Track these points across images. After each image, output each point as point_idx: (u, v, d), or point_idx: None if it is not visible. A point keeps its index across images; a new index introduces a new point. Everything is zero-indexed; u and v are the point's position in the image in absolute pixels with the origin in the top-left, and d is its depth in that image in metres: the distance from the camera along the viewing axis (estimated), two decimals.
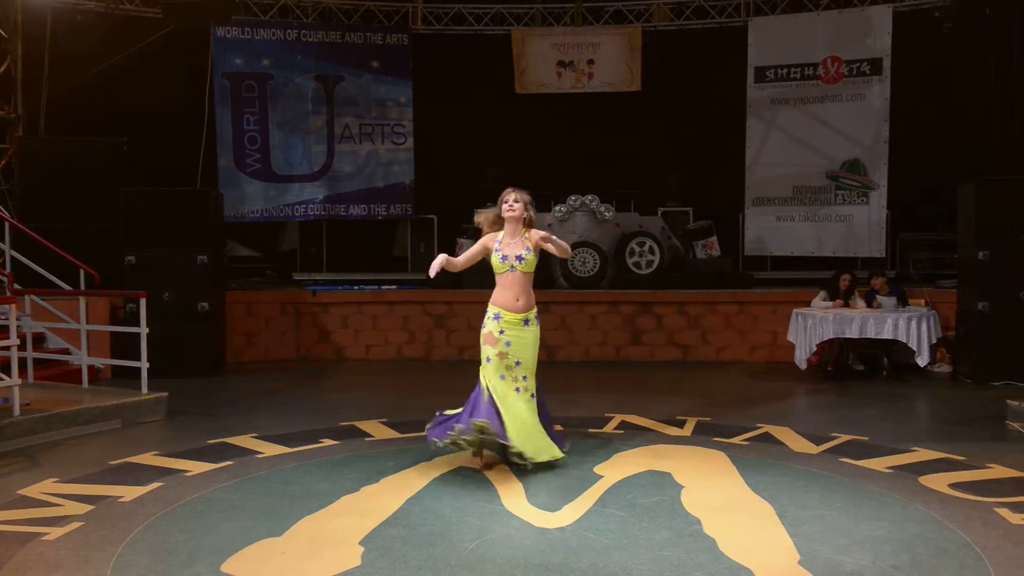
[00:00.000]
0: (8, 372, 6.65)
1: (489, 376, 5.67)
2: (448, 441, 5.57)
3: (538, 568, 4.01)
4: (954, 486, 5.30)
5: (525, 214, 5.78)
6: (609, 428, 7.00)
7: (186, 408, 7.88)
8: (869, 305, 9.59)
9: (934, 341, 9.35)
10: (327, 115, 13.43)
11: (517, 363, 5.73)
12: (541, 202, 12.45)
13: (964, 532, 4.46)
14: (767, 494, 5.13)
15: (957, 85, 12.33)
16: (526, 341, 5.74)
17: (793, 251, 13.09)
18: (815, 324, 9.37)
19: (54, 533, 4.53)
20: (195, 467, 5.84)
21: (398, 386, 9.58)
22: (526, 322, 5.76)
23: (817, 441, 6.52)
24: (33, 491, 5.30)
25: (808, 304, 9.83)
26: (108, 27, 12.22)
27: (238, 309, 10.97)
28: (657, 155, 13.66)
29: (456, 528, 4.55)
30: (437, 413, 5.95)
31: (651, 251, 11.68)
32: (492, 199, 13.71)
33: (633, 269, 11.68)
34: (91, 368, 8.21)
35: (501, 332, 5.71)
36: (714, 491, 5.23)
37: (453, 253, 12.32)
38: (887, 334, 9.21)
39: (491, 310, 5.79)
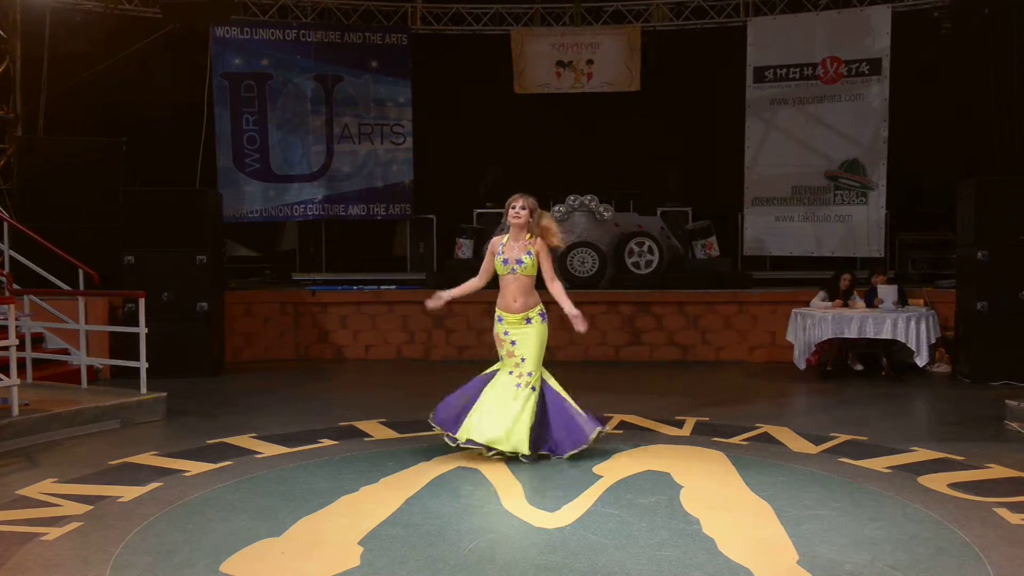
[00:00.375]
0: (7, 372, 6.65)
1: (503, 373, 6.02)
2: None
3: (537, 568, 4.01)
4: (953, 486, 5.30)
5: (530, 220, 5.97)
6: (608, 428, 6.98)
7: (185, 408, 7.87)
8: (869, 304, 9.59)
9: (933, 341, 9.35)
10: (326, 115, 13.43)
11: (523, 359, 5.97)
12: (540, 202, 12.43)
13: (963, 532, 4.46)
14: (766, 494, 5.13)
15: (956, 85, 12.34)
16: (528, 337, 5.97)
17: (792, 251, 13.10)
18: (814, 324, 9.37)
19: (53, 533, 4.53)
20: (194, 467, 5.84)
21: (397, 386, 9.58)
22: (527, 320, 6.01)
23: (816, 441, 6.53)
24: (32, 491, 5.30)
25: (807, 304, 9.83)
26: (107, 27, 12.22)
27: (237, 309, 10.97)
28: (656, 155, 13.66)
29: (455, 528, 4.55)
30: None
31: (650, 251, 11.68)
32: (491, 199, 13.76)
33: (632, 269, 11.68)
34: (90, 368, 8.21)
35: (505, 333, 6.04)
36: (713, 491, 5.23)
37: (453, 253, 12.45)
38: (886, 334, 9.21)
39: (496, 313, 6.11)
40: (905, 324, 9.15)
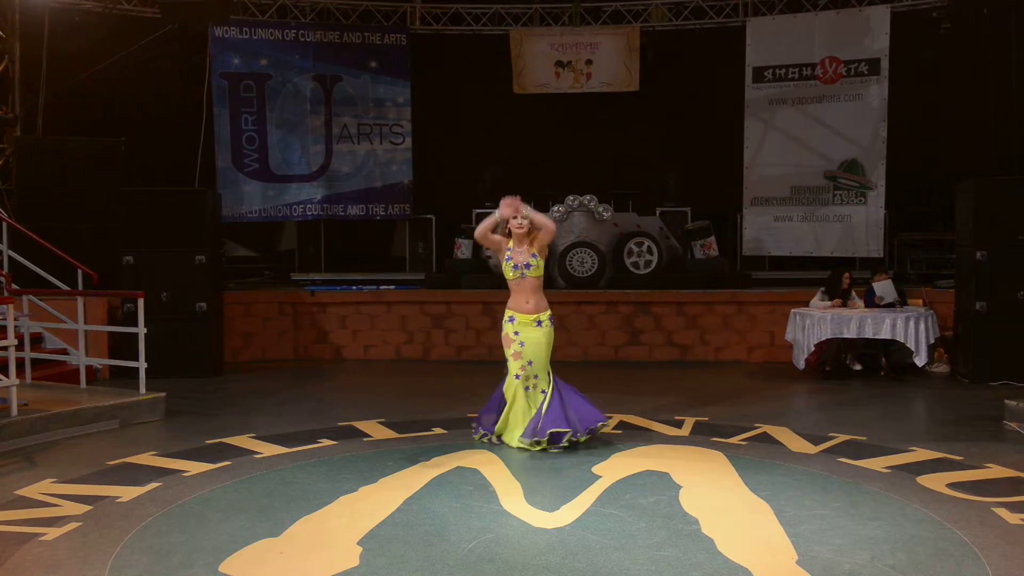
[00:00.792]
0: (6, 372, 6.65)
1: (509, 373, 6.28)
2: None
3: (536, 568, 4.01)
4: (952, 486, 5.30)
5: (532, 226, 6.26)
6: (608, 428, 7.00)
7: (184, 408, 7.87)
8: (869, 305, 9.59)
9: (932, 341, 9.36)
10: (325, 115, 13.43)
11: (529, 363, 6.28)
12: (539, 202, 12.47)
13: (962, 532, 4.47)
14: (765, 494, 5.14)
15: (955, 85, 12.34)
16: (538, 341, 6.27)
17: (791, 251, 13.10)
18: (813, 324, 9.38)
19: (52, 533, 4.53)
20: (193, 467, 5.84)
21: (396, 386, 9.58)
22: (538, 323, 6.30)
23: (815, 441, 6.53)
24: (31, 491, 5.30)
25: (806, 304, 9.83)
26: (106, 27, 12.22)
27: (236, 309, 10.97)
28: (655, 155, 13.67)
29: (454, 528, 4.55)
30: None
31: (649, 251, 11.68)
32: (490, 199, 13.77)
33: (631, 269, 11.68)
34: (89, 368, 8.20)
35: (516, 333, 6.31)
36: (712, 491, 5.23)
37: (452, 253, 12.45)
38: (885, 334, 9.21)
39: (507, 314, 6.38)
40: (904, 324, 9.15)
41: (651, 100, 13.62)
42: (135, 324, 7.80)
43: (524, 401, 6.28)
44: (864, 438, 6.61)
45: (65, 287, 8.86)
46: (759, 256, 13.28)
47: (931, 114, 12.49)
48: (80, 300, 8.19)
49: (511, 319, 6.32)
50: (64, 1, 11.95)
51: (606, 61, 13.58)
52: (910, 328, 9.16)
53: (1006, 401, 7.22)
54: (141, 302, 7.80)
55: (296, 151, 13.36)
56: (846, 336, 9.34)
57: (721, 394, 8.69)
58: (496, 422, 6.38)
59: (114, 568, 4.07)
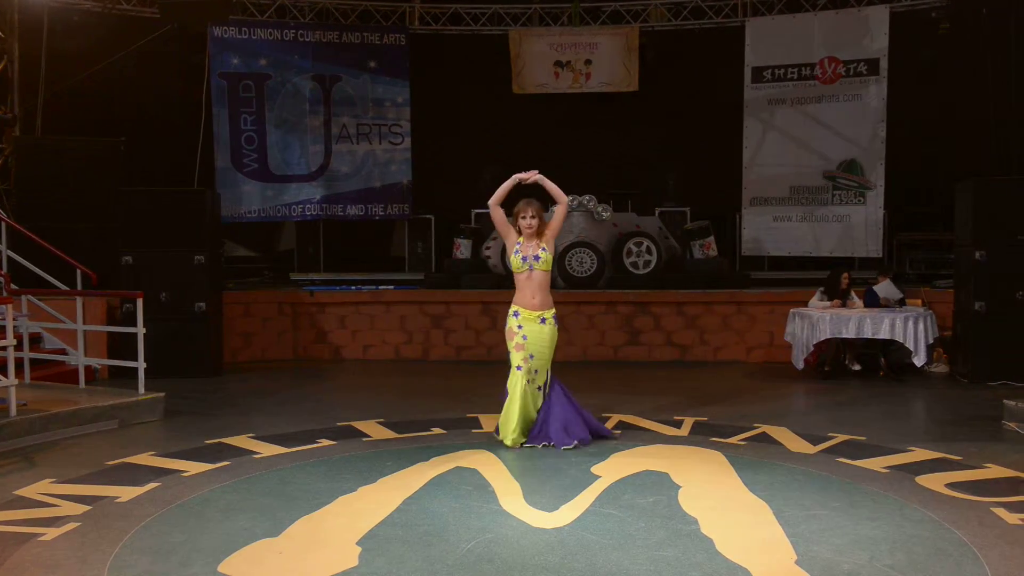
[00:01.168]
0: (5, 372, 6.65)
1: (512, 368, 6.27)
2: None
3: (535, 568, 4.01)
4: (951, 486, 5.30)
5: (541, 224, 6.37)
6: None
7: (183, 408, 7.87)
8: (869, 305, 9.59)
9: (931, 341, 9.36)
10: (324, 115, 13.43)
11: (531, 356, 6.27)
12: (538, 202, 12.47)
13: (961, 532, 4.47)
14: (764, 494, 5.14)
15: (954, 85, 12.35)
16: (542, 337, 6.28)
17: (790, 251, 13.10)
18: (812, 324, 9.38)
19: (51, 533, 4.53)
20: (192, 467, 5.84)
21: (395, 386, 9.58)
22: (542, 320, 6.31)
23: (814, 441, 6.53)
24: (30, 491, 5.29)
25: (805, 304, 9.84)
26: (105, 27, 12.21)
27: (235, 309, 10.97)
28: (654, 155, 13.68)
29: (453, 528, 4.55)
30: None
31: (648, 251, 11.69)
32: (489, 198, 13.78)
33: (630, 269, 11.68)
34: (88, 368, 8.20)
35: (519, 327, 6.29)
36: (711, 491, 5.23)
37: (451, 253, 12.45)
38: (884, 334, 9.22)
39: (511, 309, 6.38)
40: (903, 324, 9.16)
41: (650, 100, 13.63)
42: (134, 324, 7.79)
43: (527, 397, 6.27)
44: (863, 438, 6.61)
45: (64, 287, 8.85)
46: (758, 256, 13.29)
47: (930, 114, 12.50)
48: (79, 300, 8.18)
49: (515, 313, 6.33)
50: (63, 1, 11.95)
51: (605, 61, 13.58)
52: (909, 328, 9.16)
53: (1005, 401, 7.22)
54: (140, 302, 7.80)
55: (295, 151, 13.36)
56: (845, 336, 9.34)
57: (720, 394, 8.69)
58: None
59: (113, 568, 4.06)
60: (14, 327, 7.12)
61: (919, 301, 10.12)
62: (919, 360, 9.23)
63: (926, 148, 12.47)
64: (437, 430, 6.96)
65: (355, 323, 11.40)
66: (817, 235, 12.88)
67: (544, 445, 6.23)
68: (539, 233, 6.33)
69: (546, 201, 6.72)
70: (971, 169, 10.81)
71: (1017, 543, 4.32)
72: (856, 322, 9.24)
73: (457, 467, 5.77)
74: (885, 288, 9.80)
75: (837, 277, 9.74)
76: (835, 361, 9.67)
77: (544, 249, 6.30)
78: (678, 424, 7.16)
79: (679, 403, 8.15)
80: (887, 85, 12.35)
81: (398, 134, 13.64)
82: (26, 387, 7.56)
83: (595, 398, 8.26)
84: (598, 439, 6.49)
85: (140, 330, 7.70)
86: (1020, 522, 4.62)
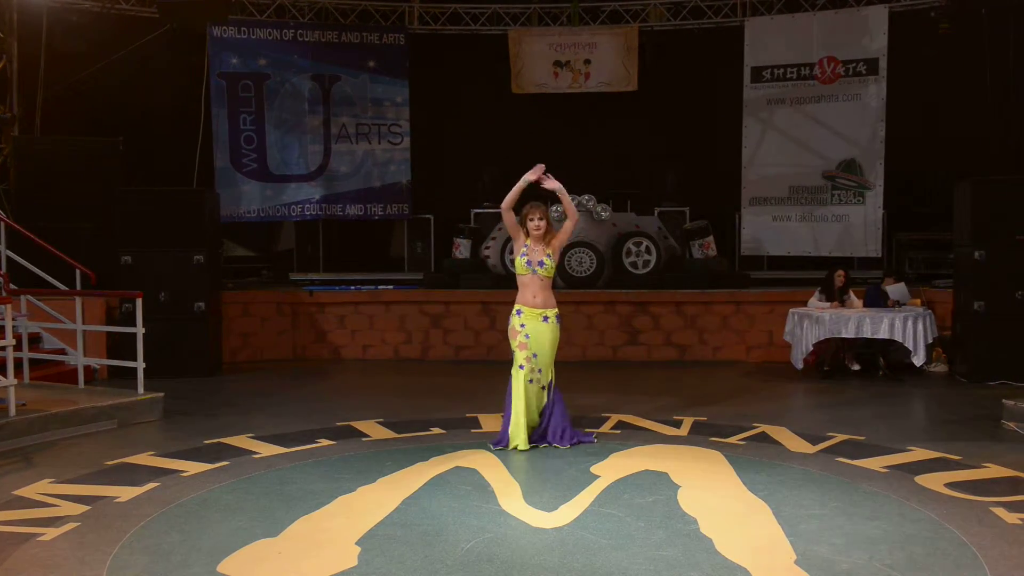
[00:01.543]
0: (4, 372, 6.65)
1: (514, 367, 6.32)
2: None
3: (535, 568, 4.01)
4: (950, 485, 5.31)
5: (549, 228, 6.51)
6: (606, 428, 7.01)
7: (182, 408, 7.87)
8: (871, 305, 9.59)
9: (930, 341, 9.37)
10: (324, 115, 13.42)
11: (534, 355, 6.32)
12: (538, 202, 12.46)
13: (960, 531, 4.47)
14: (763, 494, 5.14)
15: (953, 85, 12.35)
16: (544, 335, 6.34)
17: (789, 251, 13.10)
18: (811, 324, 9.38)
19: (50, 534, 4.53)
20: (191, 467, 5.83)
21: (395, 386, 9.58)
22: (544, 318, 6.38)
23: (813, 441, 6.53)
24: (29, 491, 5.29)
25: (804, 304, 9.84)
26: (104, 27, 12.20)
27: (234, 309, 10.97)
28: (653, 155, 13.66)
29: (453, 528, 4.55)
30: None
31: (648, 251, 11.68)
32: (488, 199, 13.73)
33: (630, 269, 11.68)
34: (87, 368, 8.20)
35: (522, 326, 6.36)
36: (711, 491, 5.24)
37: (450, 253, 12.45)
38: (883, 334, 9.22)
39: (515, 308, 6.45)
40: (902, 324, 9.16)
41: (649, 100, 13.62)
42: (133, 324, 7.79)
43: (530, 399, 6.30)
44: (862, 438, 6.61)
45: (63, 287, 8.84)
46: (757, 256, 13.28)
47: (929, 114, 12.49)
48: (78, 300, 8.18)
49: (518, 312, 6.40)
50: (62, 0, 11.94)
51: (604, 61, 13.57)
52: (908, 328, 9.16)
53: (1004, 401, 7.23)
54: (139, 302, 7.80)
55: (294, 151, 13.35)
56: (844, 336, 9.35)
57: (719, 394, 8.69)
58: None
59: (112, 568, 4.06)
60: (13, 327, 7.11)
61: (918, 301, 10.12)
62: (918, 360, 9.23)
63: (925, 148, 12.45)
64: (436, 430, 6.96)
65: (354, 323, 11.40)
66: (816, 235, 12.88)
67: (544, 445, 6.28)
68: (546, 237, 6.45)
69: (546, 198, 6.74)
70: (970, 169, 10.80)
71: (1016, 543, 4.32)
72: (855, 322, 9.24)
73: (456, 467, 5.77)
74: (898, 291, 9.80)
75: (831, 277, 9.75)
76: (834, 361, 9.67)
77: (549, 256, 6.42)
78: (677, 424, 7.16)
79: (678, 403, 8.15)
80: (886, 85, 12.34)
81: (397, 134, 13.63)
82: (25, 387, 7.56)
83: (594, 398, 8.27)
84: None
85: (139, 330, 7.70)
86: (1019, 522, 4.62)
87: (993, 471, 5.65)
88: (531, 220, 6.46)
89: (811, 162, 12.88)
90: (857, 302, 9.70)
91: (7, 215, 10.10)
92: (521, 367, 6.30)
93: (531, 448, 6.23)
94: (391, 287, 11.84)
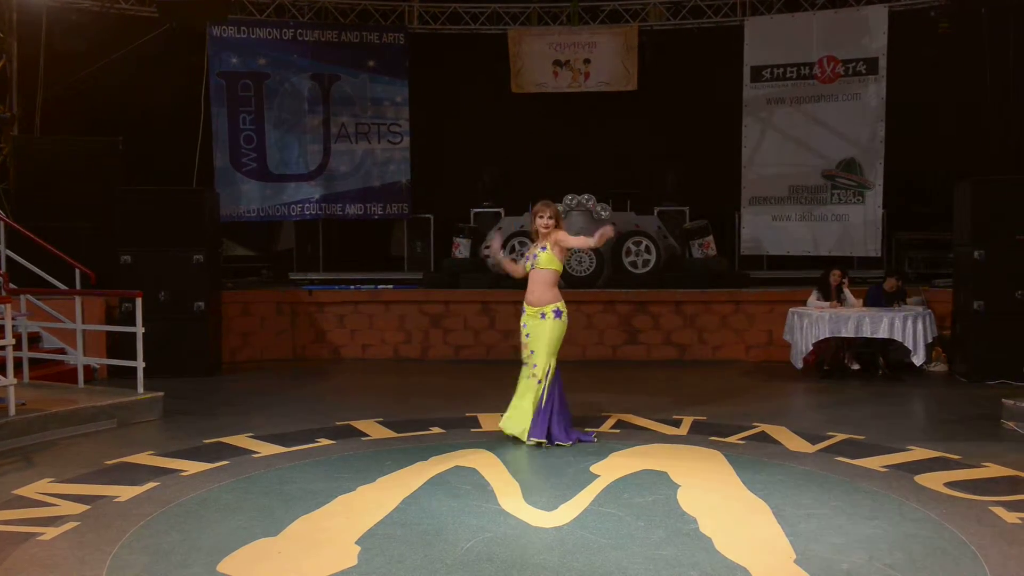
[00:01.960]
0: (4, 372, 6.64)
1: (524, 370, 6.48)
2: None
3: (534, 567, 4.01)
4: (950, 485, 5.31)
5: (557, 227, 6.50)
6: (605, 427, 7.01)
7: (182, 408, 7.87)
8: (872, 304, 9.59)
9: (930, 340, 9.37)
10: (323, 114, 13.42)
11: (532, 352, 6.43)
12: (537, 201, 12.45)
13: (960, 531, 4.47)
14: (763, 493, 5.14)
15: (953, 84, 12.34)
16: (540, 332, 6.39)
17: (789, 250, 13.10)
18: (811, 323, 9.38)
19: (49, 533, 4.53)
20: (191, 467, 5.83)
21: (394, 386, 9.58)
22: (542, 315, 6.40)
23: (813, 440, 6.53)
24: (29, 491, 5.29)
25: (804, 303, 9.83)
26: (104, 26, 12.20)
27: (234, 309, 10.96)
28: (653, 155, 13.66)
29: (452, 527, 4.55)
30: None
31: (647, 251, 11.68)
32: (488, 198, 13.72)
33: (629, 268, 11.68)
34: (87, 368, 8.19)
35: (523, 324, 6.52)
36: (710, 490, 5.24)
37: (450, 253, 12.45)
38: (883, 333, 9.22)
39: (523, 306, 6.56)
40: (902, 323, 9.16)
41: (649, 99, 13.62)
42: (133, 323, 7.79)
43: (521, 386, 6.45)
44: (862, 437, 6.61)
45: (63, 286, 8.84)
46: (757, 255, 13.28)
47: (929, 113, 12.49)
48: (78, 299, 8.18)
49: (523, 310, 6.56)
50: (61, 0, 11.93)
51: (604, 60, 13.57)
52: (908, 327, 9.16)
53: (1004, 400, 7.23)
54: (139, 301, 7.80)
55: (294, 150, 13.35)
56: (844, 335, 9.35)
57: (719, 393, 8.69)
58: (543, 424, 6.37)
59: (112, 568, 4.06)
60: (13, 327, 7.11)
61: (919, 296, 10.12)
62: (918, 359, 9.24)
63: (925, 147, 12.45)
64: (436, 429, 6.96)
65: (354, 322, 11.40)
66: (816, 234, 12.88)
67: (543, 443, 6.25)
68: (551, 235, 6.44)
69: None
70: (970, 168, 10.80)
71: (1016, 542, 4.32)
72: (855, 321, 9.24)
73: (456, 466, 5.77)
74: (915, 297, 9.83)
75: (827, 276, 9.76)
76: (834, 360, 9.68)
77: (544, 249, 6.39)
78: (677, 423, 7.17)
79: (678, 402, 8.16)
80: (886, 84, 12.35)
81: (397, 133, 13.63)
82: (25, 386, 7.56)
83: (594, 398, 8.27)
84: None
85: (139, 329, 7.70)
86: (1019, 521, 4.62)
87: (993, 470, 5.65)
88: (540, 217, 6.49)
89: (811, 162, 12.88)
90: (856, 301, 9.70)
91: (7, 215, 10.09)
92: (524, 363, 6.51)
93: (529, 447, 6.23)
94: (391, 287, 11.84)
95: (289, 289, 11.83)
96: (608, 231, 6.33)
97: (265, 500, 5.10)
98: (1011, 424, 6.95)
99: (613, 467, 5.74)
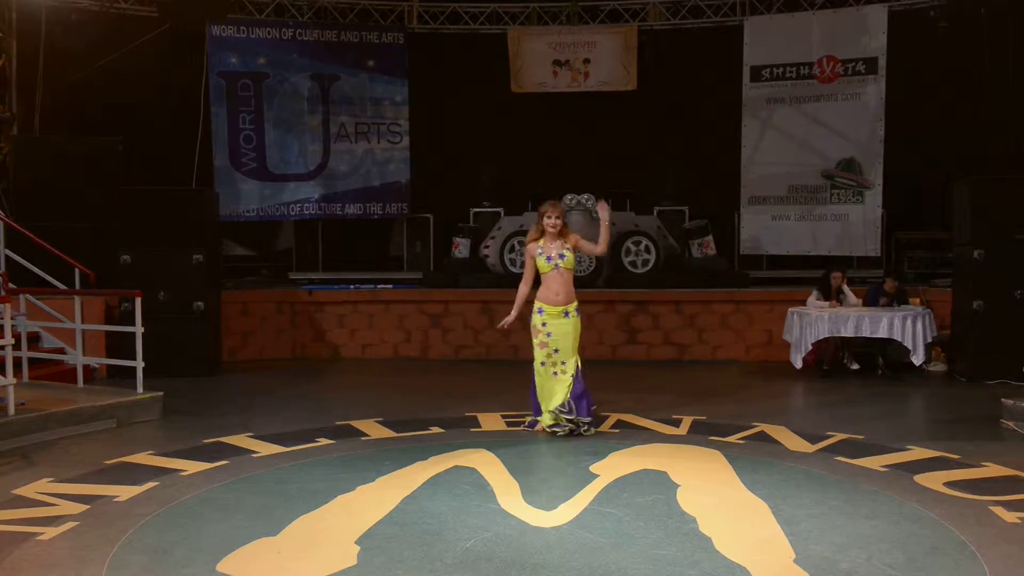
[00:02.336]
0: (3, 372, 6.64)
1: (536, 363, 6.67)
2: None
3: (534, 567, 4.01)
4: (949, 484, 5.31)
5: (564, 226, 6.76)
6: (605, 427, 7.01)
7: (181, 407, 7.86)
8: (872, 304, 9.59)
9: (929, 340, 9.37)
10: (323, 114, 13.42)
11: (556, 351, 6.62)
12: (537, 201, 12.44)
13: (959, 530, 4.47)
14: (763, 493, 5.14)
15: (952, 84, 12.34)
16: (565, 330, 6.62)
17: (789, 250, 13.10)
18: (811, 323, 9.38)
19: (49, 533, 4.52)
20: (191, 467, 5.83)
21: (394, 385, 9.58)
22: (566, 314, 6.64)
23: (813, 440, 6.53)
24: (28, 491, 5.29)
25: (804, 303, 9.84)
26: (103, 26, 12.19)
27: (234, 308, 10.96)
28: (653, 154, 13.66)
29: (452, 527, 4.55)
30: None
31: (647, 250, 11.68)
32: (488, 198, 13.72)
33: (629, 268, 11.68)
34: (86, 367, 8.20)
35: (543, 324, 6.64)
36: (710, 490, 5.24)
37: (449, 252, 12.45)
38: (882, 333, 9.22)
39: (536, 306, 6.70)
40: (901, 323, 9.16)
41: (649, 99, 13.62)
42: (132, 323, 7.79)
43: (544, 380, 6.69)
44: (861, 437, 6.61)
45: (62, 286, 8.84)
46: (757, 255, 13.28)
47: (928, 113, 12.48)
48: (77, 299, 8.18)
49: (540, 311, 6.64)
50: (61, 0, 11.93)
51: (604, 60, 13.57)
52: (907, 327, 9.17)
53: (1003, 400, 7.22)
54: (138, 301, 7.80)
55: (293, 150, 13.35)
56: (844, 335, 9.35)
57: (719, 393, 8.69)
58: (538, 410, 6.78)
59: (112, 567, 4.06)
60: (12, 326, 7.11)
61: (918, 300, 10.12)
62: (917, 359, 9.24)
63: (924, 147, 12.46)
64: (436, 429, 6.96)
65: (354, 322, 11.40)
66: (816, 234, 12.88)
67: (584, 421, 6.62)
68: (562, 234, 6.67)
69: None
70: (970, 168, 10.81)
71: (1015, 541, 4.32)
72: (855, 321, 9.24)
73: (456, 466, 5.77)
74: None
75: (828, 278, 9.76)
76: (833, 360, 9.68)
77: (569, 249, 6.67)
78: (676, 423, 7.17)
79: (677, 402, 8.16)
80: (885, 84, 12.35)
81: (396, 133, 13.63)
82: (24, 386, 7.55)
83: (594, 397, 8.25)
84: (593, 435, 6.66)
85: (138, 329, 7.69)
86: (1018, 520, 4.62)
87: (992, 470, 5.65)
88: (548, 217, 6.65)
89: (810, 161, 12.87)
90: (856, 300, 9.70)
91: (6, 214, 10.09)
92: (543, 364, 6.65)
93: (528, 447, 6.23)
94: (390, 286, 11.84)
95: (288, 289, 11.84)
96: (604, 211, 6.77)
97: (265, 500, 5.10)
98: (1011, 424, 6.95)
99: (613, 467, 5.74)
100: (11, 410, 6.54)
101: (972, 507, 4.86)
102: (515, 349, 11.12)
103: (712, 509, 4.82)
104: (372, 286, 11.88)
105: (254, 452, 6.25)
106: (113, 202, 9.95)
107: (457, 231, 12.48)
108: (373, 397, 8.63)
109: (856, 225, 12.61)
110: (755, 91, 13.07)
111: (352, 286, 11.91)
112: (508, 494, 5.12)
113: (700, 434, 6.77)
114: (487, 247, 12.19)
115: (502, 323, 6.85)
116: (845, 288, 9.76)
